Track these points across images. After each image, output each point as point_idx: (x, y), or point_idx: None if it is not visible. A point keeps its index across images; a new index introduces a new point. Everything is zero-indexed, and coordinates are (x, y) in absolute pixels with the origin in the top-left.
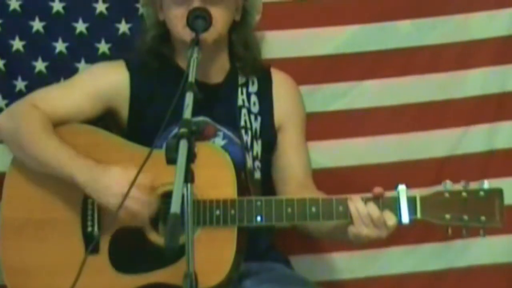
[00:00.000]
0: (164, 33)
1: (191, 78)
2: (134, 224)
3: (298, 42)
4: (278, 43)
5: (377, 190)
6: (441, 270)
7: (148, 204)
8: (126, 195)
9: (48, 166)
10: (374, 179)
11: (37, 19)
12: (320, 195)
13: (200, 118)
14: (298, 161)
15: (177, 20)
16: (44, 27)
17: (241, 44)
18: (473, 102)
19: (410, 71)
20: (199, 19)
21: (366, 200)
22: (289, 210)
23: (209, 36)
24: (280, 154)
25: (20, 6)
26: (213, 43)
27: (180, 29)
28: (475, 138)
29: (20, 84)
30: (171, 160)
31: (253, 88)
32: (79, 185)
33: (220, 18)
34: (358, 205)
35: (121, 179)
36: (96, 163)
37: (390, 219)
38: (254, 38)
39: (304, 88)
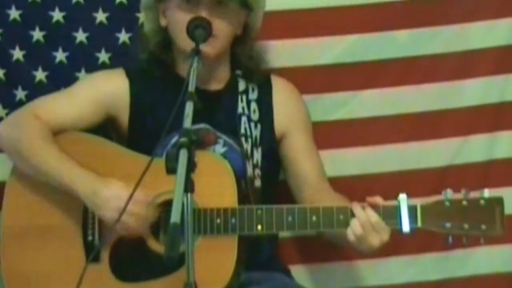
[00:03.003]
0: (165, 40)
1: (191, 87)
2: (131, 236)
3: (297, 51)
4: (277, 53)
5: (370, 200)
6: (442, 280)
7: (143, 219)
8: (123, 210)
9: (48, 176)
10: (374, 188)
11: (37, 29)
12: (336, 199)
13: (201, 125)
14: (309, 166)
15: (178, 25)
16: (44, 36)
17: (246, 57)
18: (472, 111)
19: (409, 80)
20: (199, 28)
21: (364, 207)
22: (290, 218)
23: (212, 49)
24: (291, 161)
25: (20, 15)
26: (216, 56)
27: (182, 36)
28: (474, 148)
29: (20, 94)
30: (171, 169)
31: (253, 95)
32: (79, 196)
33: (223, 31)
34: (357, 211)
35: (119, 193)
36: (97, 175)
37: (373, 216)
38: (257, 49)
39: (304, 98)
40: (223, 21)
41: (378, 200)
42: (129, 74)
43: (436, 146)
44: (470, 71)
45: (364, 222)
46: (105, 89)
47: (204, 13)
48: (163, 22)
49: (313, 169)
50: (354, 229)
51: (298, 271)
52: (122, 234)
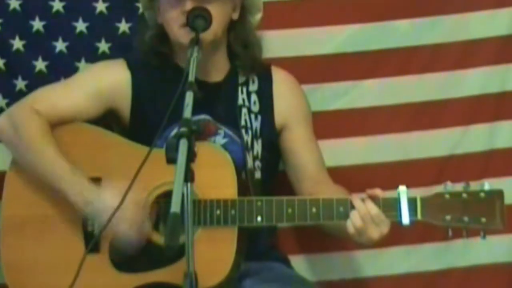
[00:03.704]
0: (163, 34)
1: (191, 77)
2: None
3: (298, 41)
4: (278, 43)
5: (370, 192)
6: (442, 270)
7: (140, 223)
8: (108, 220)
9: (43, 177)
10: (375, 178)
11: (37, 19)
12: (336, 191)
13: (201, 117)
14: (309, 158)
15: (172, 21)
16: (44, 26)
17: (239, 44)
18: (473, 101)
19: (410, 70)
20: (199, 18)
21: (364, 199)
22: (290, 210)
23: (206, 36)
24: (290, 153)
25: (20, 5)
26: (210, 43)
27: (176, 31)
28: (475, 138)
29: (20, 84)
30: (171, 159)
31: (253, 87)
32: (70, 202)
33: (215, 17)
34: (357, 204)
35: (111, 204)
36: (89, 183)
37: (373, 209)
38: (254, 37)
39: (304, 88)
40: (214, 9)
41: (378, 192)
42: (130, 66)
43: (437, 136)
44: (471, 61)
45: (364, 215)
46: (106, 81)
47: (189, 5)
48: (159, 19)
49: (313, 161)
50: (354, 222)
51: (298, 261)
52: (119, 240)
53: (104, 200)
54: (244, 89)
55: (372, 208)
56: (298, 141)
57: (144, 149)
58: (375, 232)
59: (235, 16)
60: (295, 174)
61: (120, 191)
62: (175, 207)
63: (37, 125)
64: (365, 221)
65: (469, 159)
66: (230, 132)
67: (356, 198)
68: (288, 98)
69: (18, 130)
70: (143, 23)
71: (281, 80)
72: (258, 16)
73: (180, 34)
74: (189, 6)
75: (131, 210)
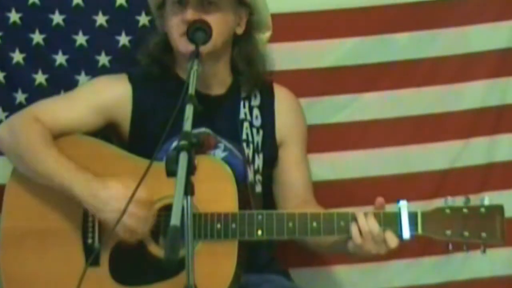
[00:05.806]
0: (167, 43)
1: (191, 90)
2: (132, 239)
3: (298, 54)
4: (278, 56)
5: (379, 201)
6: (442, 283)
7: (145, 220)
8: (123, 211)
9: (47, 178)
10: (375, 191)
11: (37, 32)
12: (320, 210)
13: (201, 130)
14: (299, 177)
15: (173, 29)
16: (44, 39)
17: (243, 60)
18: (473, 114)
19: (410, 83)
20: (199, 31)
21: (367, 215)
22: (290, 224)
23: (205, 47)
24: (281, 170)
25: (20, 18)
26: (208, 55)
27: (176, 38)
28: (475, 151)
29: (20, 97)
30: (171, 172)
31: (256, 102)
32: (78, 198)
33: (214, 28)
34: (360, 220)
35: (119, 194)
36: (95, 176)
37: (392, 241)
38: (258, 54)
39: (304, 101)
40: (214, 20)
41: (381, 200)
42: (132, 80)
43: (437, 149)
44: (470, 74)
45: (365, 233)
46: (108, 95)
47: (190, 14)
48: (164, 28)
49: (302, 181)
50: (354, 238)
51: (298, 274)
52: (123, 237)
53: (111, 190)
54: (247, 103)
55: (374, 227)
56: (291, 160)
57: (144, 162)
58: (373, 250)
59: (239, 30)
60: (282, 191)
61: (125, 185)
62: (175, 220)
63: (39, 130)
64: (366, 239)
65: (469, 172)
66: (230, 146)
67: (360, 214)
68: (288, 116)
69: (17, 136)
70: (145, 36)
71: (283, 98)
72: (268, 34)
73: (180, 42)
74: (189, 15)
75: (137, 204)
